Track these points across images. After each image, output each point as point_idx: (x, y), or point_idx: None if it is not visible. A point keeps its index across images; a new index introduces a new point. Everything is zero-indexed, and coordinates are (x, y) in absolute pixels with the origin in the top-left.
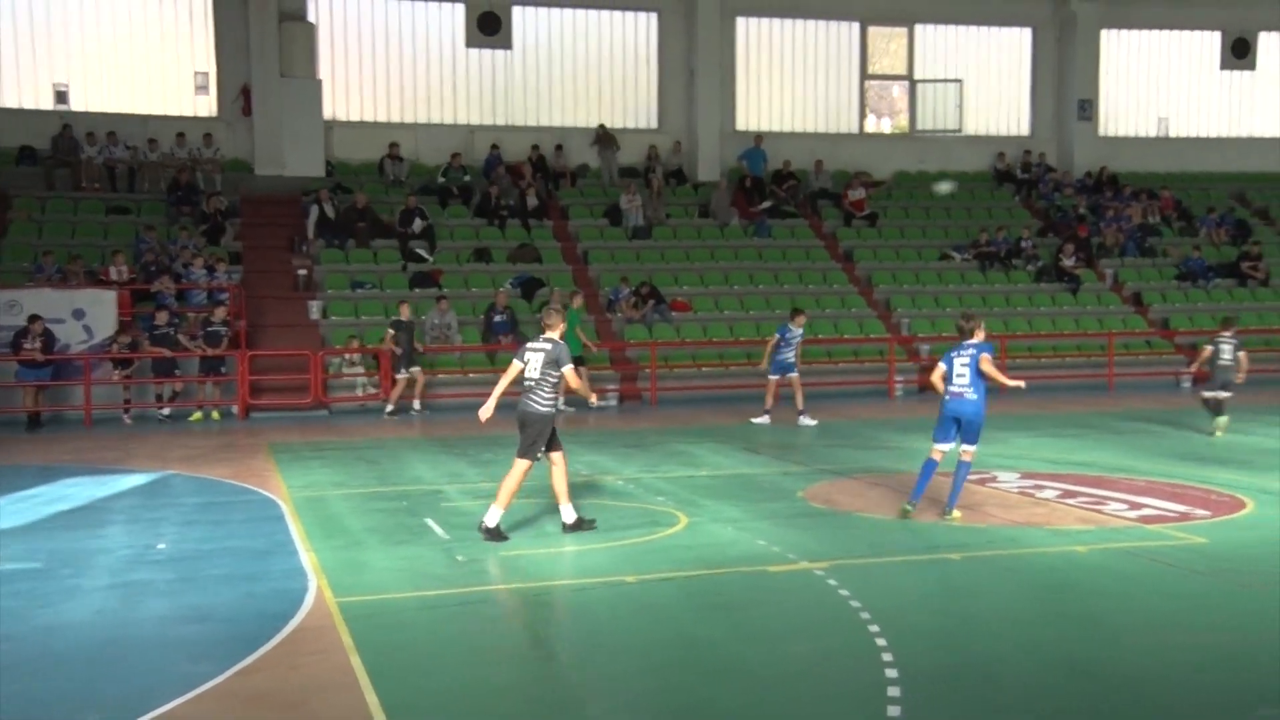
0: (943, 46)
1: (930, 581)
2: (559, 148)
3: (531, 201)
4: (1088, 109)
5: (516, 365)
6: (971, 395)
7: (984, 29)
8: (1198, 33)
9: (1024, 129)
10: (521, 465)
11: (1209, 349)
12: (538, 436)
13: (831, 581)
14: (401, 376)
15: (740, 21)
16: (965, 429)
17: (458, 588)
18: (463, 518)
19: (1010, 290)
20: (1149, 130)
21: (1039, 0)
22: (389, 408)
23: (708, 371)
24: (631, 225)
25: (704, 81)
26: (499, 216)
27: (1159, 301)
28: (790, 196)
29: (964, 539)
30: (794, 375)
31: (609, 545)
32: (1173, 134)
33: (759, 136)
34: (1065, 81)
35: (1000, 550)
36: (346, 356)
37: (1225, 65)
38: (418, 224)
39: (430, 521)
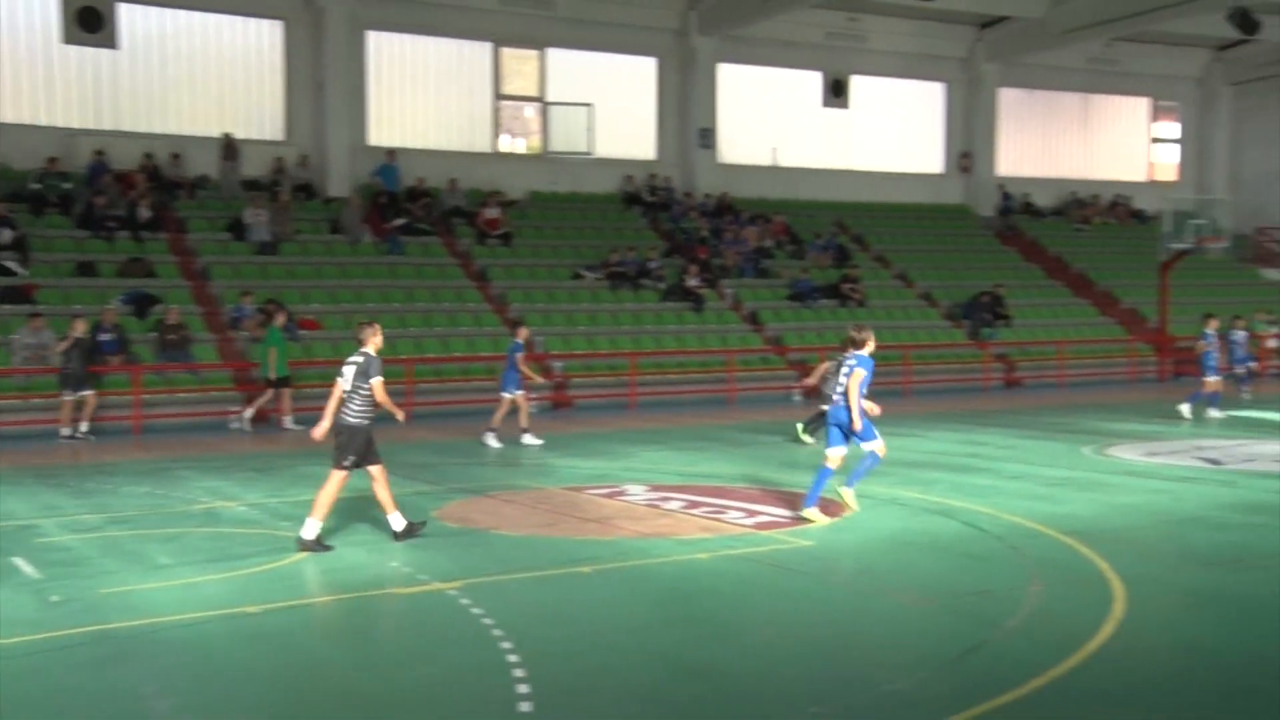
0: (574, 71)
1: (562, 595)
2: (175, 156)
3: (144, 213)
4: (708, 137)
5: (338, 381)
6: (841, 402)
7: (613, 56)
8: (802, 71)
9: (651, 154)
10: (336, 476)
11: (827, 364)
12: (346, 445)
13: (464, 601)
14: (69, 398)
15: (371, 35)
16: (850, 433)
17: (51, 632)
18: (60, 554)
19: (639, 309)
20: (762, 159)
21: (663, 32)
22: (64, 431)
23: None
24: (257, 240)
25: (333, 94)
26: (106, 228)
27: (773, 320)
28: (424, 214)
29: (595, 552)
30: (519, 393)
31: (230, 575)
32: (783, 164)
33: (391, 152)
34: (687, 110)
35: (629, 561)
36: None
37: (826, 103)
38: (6, 234)
39: (19, 560)
